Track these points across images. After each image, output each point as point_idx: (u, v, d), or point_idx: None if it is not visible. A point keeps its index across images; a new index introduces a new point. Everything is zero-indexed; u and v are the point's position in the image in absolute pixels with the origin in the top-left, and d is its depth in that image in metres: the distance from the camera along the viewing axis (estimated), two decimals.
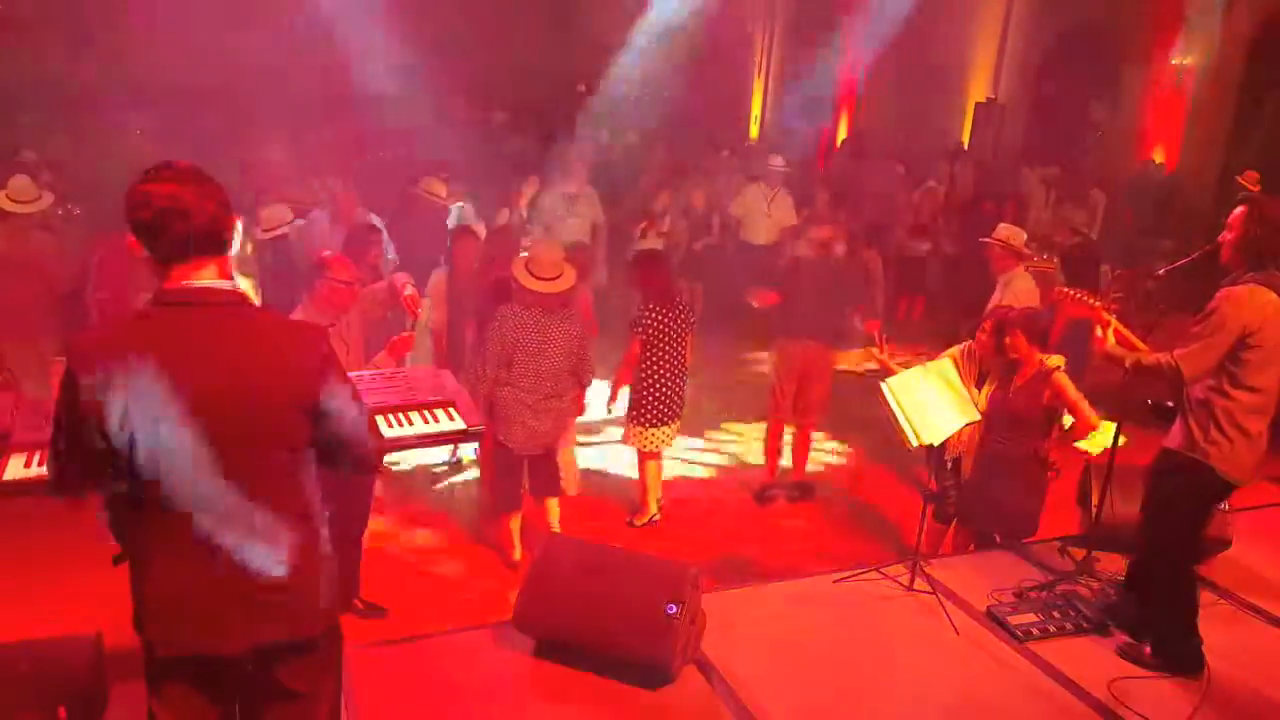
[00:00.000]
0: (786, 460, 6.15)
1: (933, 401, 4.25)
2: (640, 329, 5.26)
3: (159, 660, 2.22)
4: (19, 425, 2.86)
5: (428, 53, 10.57)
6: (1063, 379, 4.48)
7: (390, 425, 3.16)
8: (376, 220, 6.98)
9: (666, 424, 5.42)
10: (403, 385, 3.37)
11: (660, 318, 5.27)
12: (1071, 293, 4.14)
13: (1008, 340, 4.53)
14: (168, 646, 2.19)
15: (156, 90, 8.99)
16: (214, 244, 2.13)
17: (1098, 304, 3.95)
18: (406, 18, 10.50)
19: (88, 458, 2.09)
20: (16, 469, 2.77)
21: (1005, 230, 5.65)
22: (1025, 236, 5.70)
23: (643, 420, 5.38)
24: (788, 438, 6.10)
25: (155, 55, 9.23)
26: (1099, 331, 3.80)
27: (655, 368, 5.31)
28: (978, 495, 4.70)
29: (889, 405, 4.24)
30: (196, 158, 2.20)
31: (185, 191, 2.08)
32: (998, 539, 4.80)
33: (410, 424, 3.19)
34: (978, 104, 13.52)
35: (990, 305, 5.35)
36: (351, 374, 3.33)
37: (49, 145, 8.22)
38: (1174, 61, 11.47)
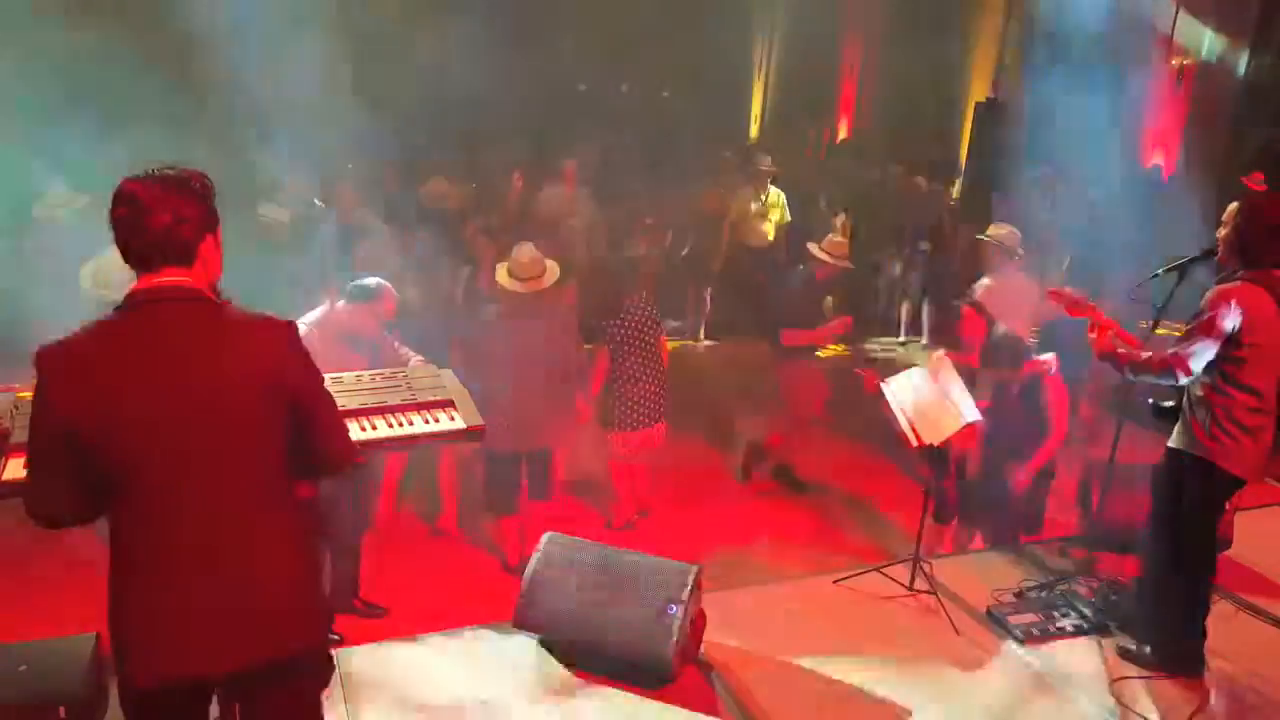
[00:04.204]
0: None
1: (933, 401, 4.25)
2: (606, 339, 5.27)
3: (136, 691, 2.13)
4: (19, 425, 2.86)
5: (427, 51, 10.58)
6: (1056, 385, 4.51)
7: (390, 425, 3.16)
8: (376, 220, 6.98)
9: (648, 426, 5.41)
10: (403, 385, 3.36)
11: (630, 324, 5.28)
12: (1068, 292, 4.15)
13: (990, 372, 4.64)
14: (146, 675, 2.09)
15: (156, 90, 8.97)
16: (171, 255, 2.06)
17: (1091, 304, 3.95)
18: (406, 16, 10.50)
19: (62, 474, 2.03)
20: (16, 469, 2.76)
21: (999, 230, 5.81)
22: (1019, 236, 5.83)
23: (622, 425, 5.37)
24: None
25: (155, 54, 9.22)
26: (1092, 334, 3.80)
27: (631, 373, 5.32)
28: (986, 496, 4.72)
29: (889, 405, 4.25)
30: (195, 159, 2.18)
31: (143, 196, 2.02)
32: (1010, 537, 4.82)
33: (410, 424, 3.19)
34: (978, 104, 13.52)
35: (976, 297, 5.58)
36: (351, 374, 3.35)
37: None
38: (1174, 62, 11.47)
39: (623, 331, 5.27)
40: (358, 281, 4.38)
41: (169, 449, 2.04)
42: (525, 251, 4.82)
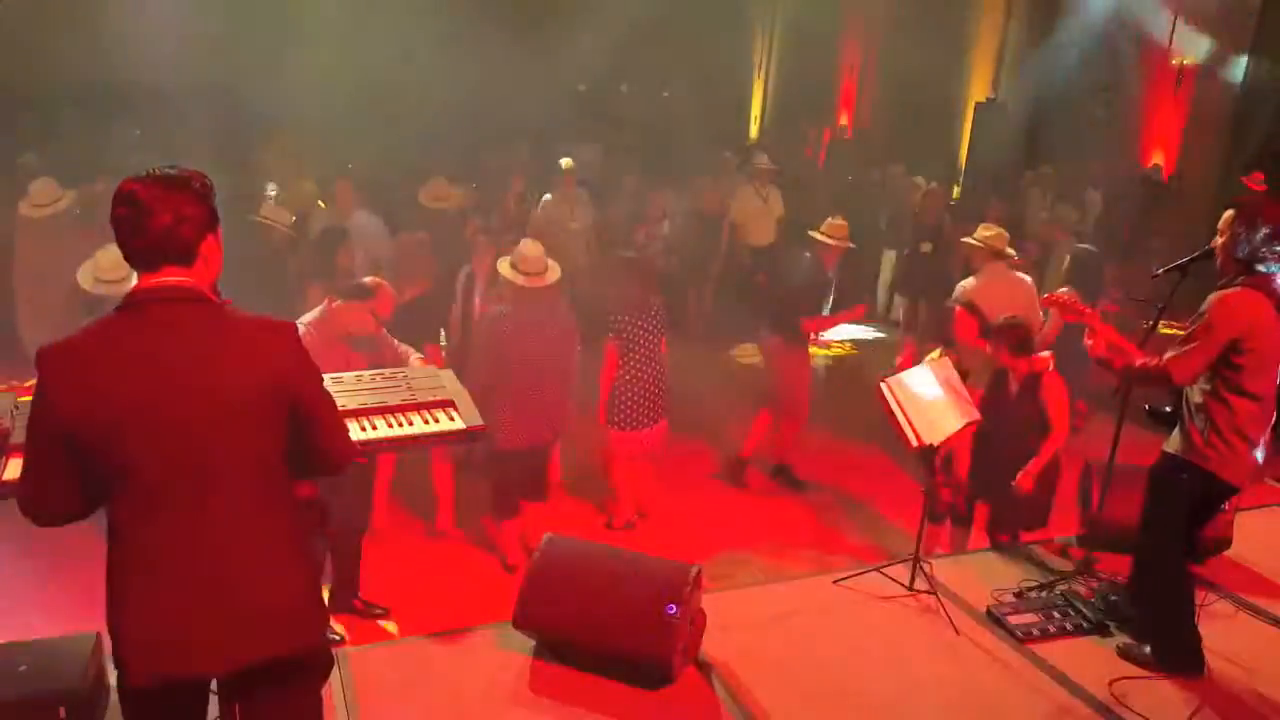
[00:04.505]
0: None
1: (933, 401, 4.25)
2: (614, 334, 5.27)
3: (134, 691, 2.14)
4: (19, 425, 2.86)
5: (427, 51, 10.59)
6: (1054, 382, 4.49)
7: (390, 425, 3.16)
8: (375, 220, 7.01)
9: (649, 425, 5.41)
10: (403, 385, 3.36)
11: (634, 322, 5.28)
12: (1062, 297, 4.15)
13: (990, 352, 4.58)
14: (145, 674, 2.09)
15: (156, 90, 8.99)
16: (172, 255, 2.06)
17: (1088, 308, 3.95)
18: (407, 16, 10.51)
19: (61, 474, 2.03)
20: (16, 469, 2.76)
21: (987, 231, 5.92)
22: (1007, 237, 5.93)
23: (623, 423, 5.37)
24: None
25: (155, 54, 9.24)
26: (1088, 339, 3.80)
27: (633, 371, 5.31)
28: (989, 495, 4.70)
29: (888, 405, 4.24)
30: (194, 159, 2.18)
31: (144, 196, 2.02)
32: (1004, 537, 4.82)
33: (410, 424, 3.19)
34: (978, 104, 13.52)
35: (955, 295, 5.69)
36: (351, 374, 3.35)
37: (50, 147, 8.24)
38: (1174, 62, 11.47)
39: (632, 329, 5.28)
40: (355, 280, 4.38)
41: (168, 449, 2.03)
42: (529, 247, 4.90)
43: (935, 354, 5.10)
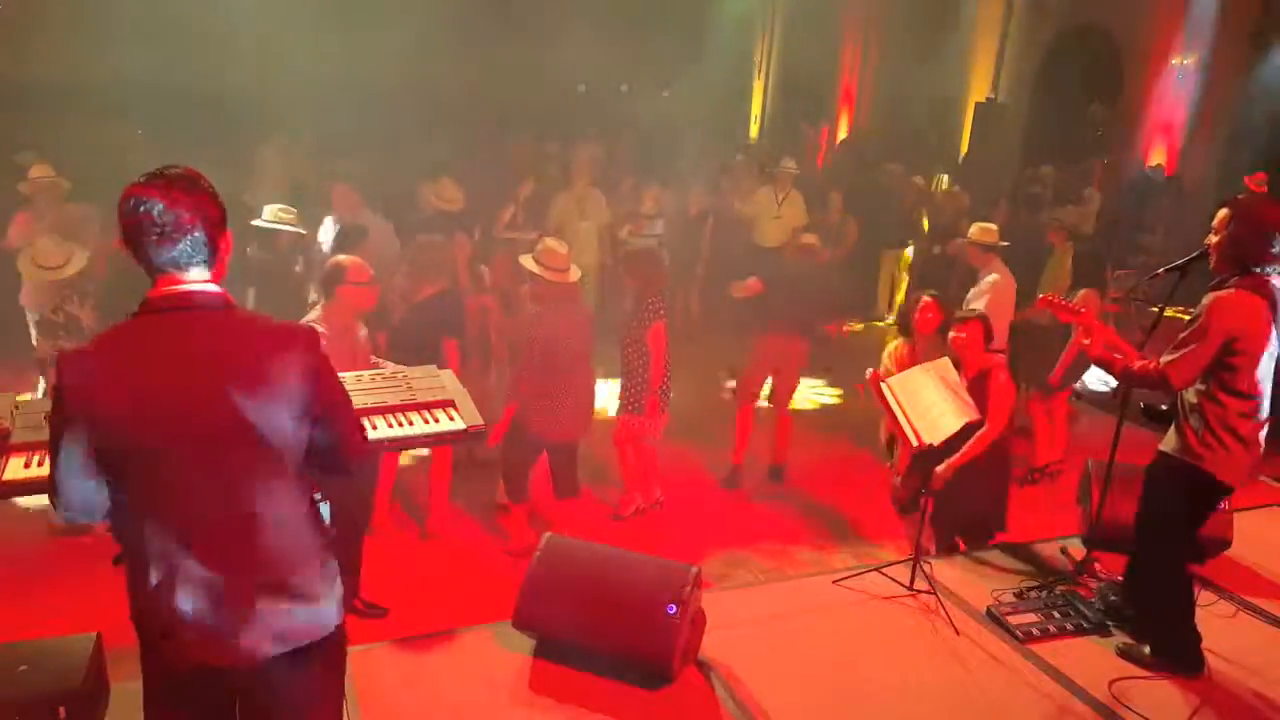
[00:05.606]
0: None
1: (933, 401, 4.25)
2: (662, 319, 5.33)
3: (158, 674, 2.18)
4: (19, 425, 2.86)
5: (427, 52, 10.60)
6: (1000, 380, 4.46)
7: (390, 425, 3.16)
8: (382, 220, 7.00)
9: (667, 410, 5.51)
10: (403, 385, 3.36)
11: (665, 310, 5.41)
12: (1056, 299, 4.13)
13: (957, 333, 4.51)
14: (174, 659, 2.13)
15: (157, 89, 8.99)
16: (193, 256, 2.08)
17: (1082, 310, 3.94)
18: (407, 16, 10.52)
19: (84, 474, 2.05)
20: (16, 469, 2.77)
21: (978, 229, 6.11)
22: (995, 230, 6.12)
23: (661, 408, 5.43)
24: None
25: (156, 54, 9.25)
26: (1085, 340, 3.79)
27: (667, 356, 5.43)
28: (941, 499, 4.65)
29: (888, 405, 4.24)
30: (194, 159, 2.19)
31: (165, 200, 2.02)
32: (960, 543, 4.79)
33: (410, 424, 3.19)
34: (978, 104, 13.52)
35: (973, 296, 5.84)
36: (351, 374, 3.35)
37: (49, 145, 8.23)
38: (1174, 62, 11.46)
39: (666, 313, 5.39)
40: (327, 270, 4.33)
41: (189, 452, 2.05)
42: (553, 243, 5.03)
43: (894, 344, 5.06)
